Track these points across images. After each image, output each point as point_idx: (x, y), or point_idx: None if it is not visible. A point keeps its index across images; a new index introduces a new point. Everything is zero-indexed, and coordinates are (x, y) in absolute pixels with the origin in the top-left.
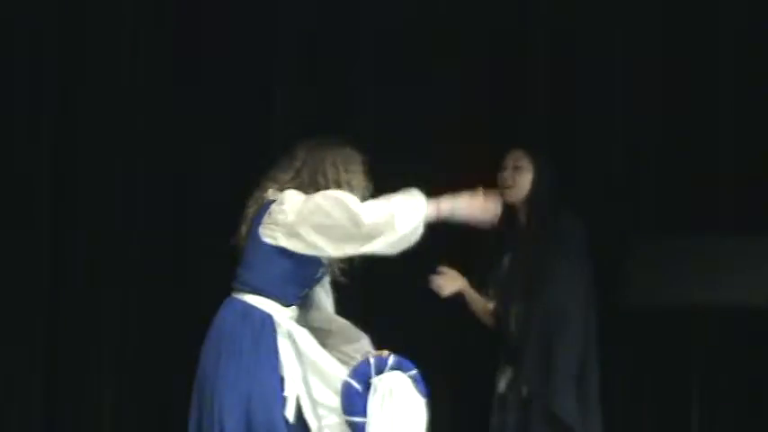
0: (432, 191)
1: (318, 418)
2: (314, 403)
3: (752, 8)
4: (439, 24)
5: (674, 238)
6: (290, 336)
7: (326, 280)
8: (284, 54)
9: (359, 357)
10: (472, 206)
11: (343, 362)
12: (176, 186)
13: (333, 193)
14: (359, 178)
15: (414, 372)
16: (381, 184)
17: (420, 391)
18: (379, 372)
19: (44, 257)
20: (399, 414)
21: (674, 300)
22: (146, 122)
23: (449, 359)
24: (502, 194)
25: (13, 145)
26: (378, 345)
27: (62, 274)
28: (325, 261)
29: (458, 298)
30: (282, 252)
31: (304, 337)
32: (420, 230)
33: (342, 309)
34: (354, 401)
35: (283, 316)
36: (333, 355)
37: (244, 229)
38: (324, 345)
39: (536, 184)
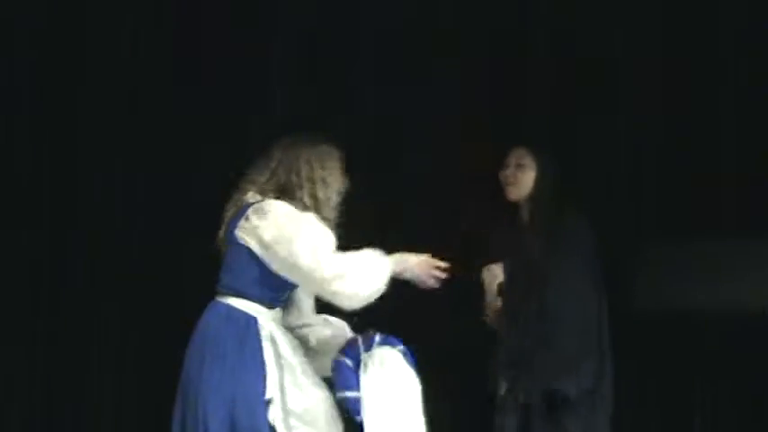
0: (432, 191)
1: (289, 428)
2: (286, 412)
3: (752, 8)
4: (439, 24)
5: (677, 241)
6: (272, 339)
7: None
8: (284, 54)
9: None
10: (420, 268)
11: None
12: (176, 186)
13: (310, 233)
14: (335, 175)
15: (401, 347)
16: (382, 184)
17: (410, 364)
18: (368, 349)
19: (44, 257)
20: (392, 385)
21: (678, 303)
22: (146, 122)
23: (449, 359)
24: (505, 192)
25: (13, 145)
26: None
27: (62, 274)
28: None
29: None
30: (259, 256)
31: (285, 341)
32: (380, 291)
33: (341, 310)
34: (347, 376)
35: (267, 318)
36: (314, 358)
37: (222, 231)
38: (307, 345)
39: (539, 181)
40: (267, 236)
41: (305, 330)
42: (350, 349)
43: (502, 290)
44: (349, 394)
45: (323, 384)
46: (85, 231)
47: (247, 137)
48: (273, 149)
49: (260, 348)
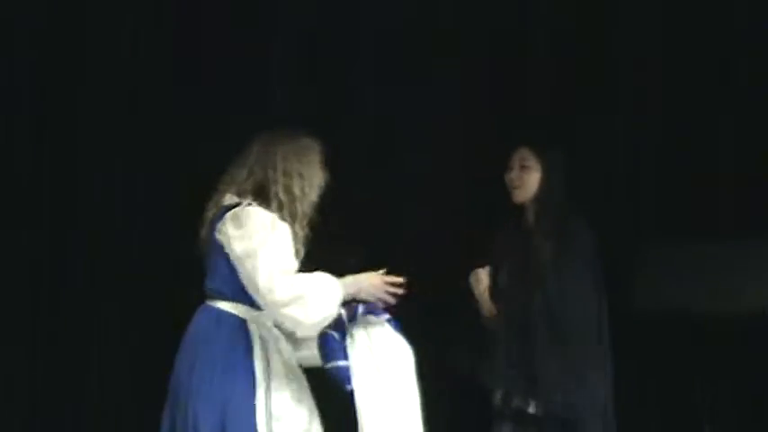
0: (432, 191)
1: None
2: (269, 416)
3: (752, 8)
4: (439, 24)
5: (676, 242)
6: (262, 342)
7: None
8: (284, 54)
9: None
10: (374, 288)
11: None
12: (176, 186)
13: (272, 253)
14: (313, 169)
15: (386, 316)
16: (382, 184)
17: (398, 331)
18: (352, 319)
19: (44, 257)
20: (380, 352)
21: (677, 303)
22: (146, 122)
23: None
24: (511, 195)
25: (13, 145)
26: None
27: (62, 274)
28: None
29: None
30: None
31: (275, 343)
32: (331, 317)
33: None
34: (333, 347)
35: (257, 320)
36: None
37: (204, 232)
38: (293, 336)
39: (544, 182)
40: (237, 248)
41: None
42: (334, 322)
43: (493, 293)
44: (338, 363)
45: (307, 391)
46: (85, 231)
47: (247, 137)
48: (252, 144)
49: (250, 352)
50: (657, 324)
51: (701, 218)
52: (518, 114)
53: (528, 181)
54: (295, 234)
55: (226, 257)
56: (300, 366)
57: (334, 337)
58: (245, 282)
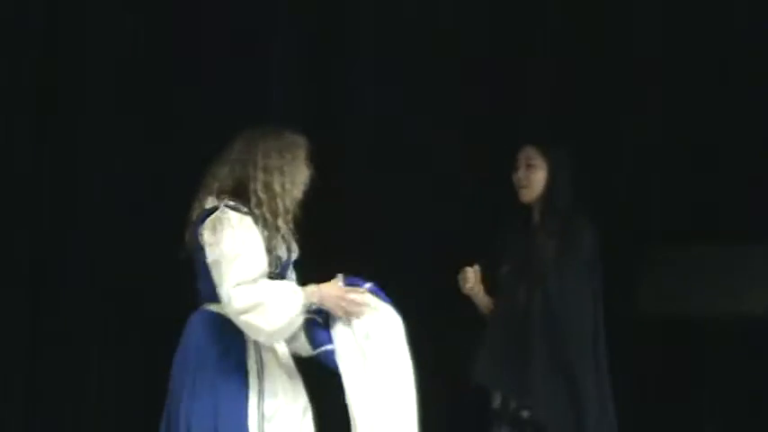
0: (432, 191)
1: None
2: (261, 417)
3: (752, 8)
4: (439, 24)
5: (679, 245)
6: (255, 343)
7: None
8: (284, 54)
9: None
10: (331, 301)
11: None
12: (176, 186)
13: (236, 261)
14: (295, 165)
15: (368, 285)
16: (382, 184)
17: (382, 299)
18: None
19: (44, 257)
20: (363, 327)
21: (680, 307)
22: (146, 122)
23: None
24: (518, 195)
25: (14, 145)
26: None
27: (62, 274)
28: (272, 269)
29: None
30: None
31: (270, 348)
32: (292, 325)
33: None
34: (318, 332)
35: None
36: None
37: (188, 234)
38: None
39: (549, 181)
40: (209, 257)
41: None
42: (317, 307)
43: (493, 290)
44: (325, 348)
45: (302, 390)
46: (85, 231)
47: None
48: (235, 141)
49: (243, 354)
50: (659, 328)
51: (704, 222)
52: (518, 114)
53: (534, 180)
54: (275, 232)
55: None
56: (300, 357)
57: (317, 322)
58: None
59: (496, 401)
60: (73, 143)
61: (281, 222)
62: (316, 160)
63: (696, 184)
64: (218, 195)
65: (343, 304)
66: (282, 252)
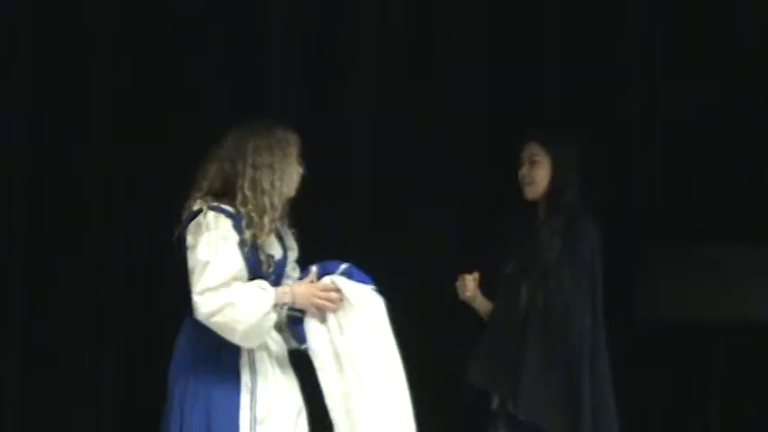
0: (432, 191)
1: None
2: (253, 419)
3: (753, 8)
4: (439, 24)
5: (682, 249)
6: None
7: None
8: (283, 54)
9: None
10: (303, 299)
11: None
12: (176, 186)
13: (207, 266)
14: (286, 161)
15: (343, 266)
16: (382, 184)
17: (359, 281)
18: None
19: (45, 257)
20: (336, 322)
21: (683, 310)
22: (146, 122)
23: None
24: (523, 192)
25: (13, 145)
26: None
27: (62, 274)
28: (265, 267)
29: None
30: None
31: (262, 347)
32: (262, 325)
33: None
34: (297, 329)
35: None
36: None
37: (177, 234)
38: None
39: (554, 177)
40: (190, 262)
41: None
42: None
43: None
44: (305, 346)
45: (296, 390)
46: (86, 231)
47: None
48: (225, 137)
49: (237, 355)
50: (661, 331)
51: (707, 225)
52: (518, 114)
53: (537, 176)
54: (262, 230)
55: None
56: (298, 351)
57: (297, 318)
58: None
59: (495, 402)
60: (73, 143)
61: (267, 220)
62: (316, 160)
63: (699, 187)
64: (206, 195)
65: (315, 301)
66: (276, 251)
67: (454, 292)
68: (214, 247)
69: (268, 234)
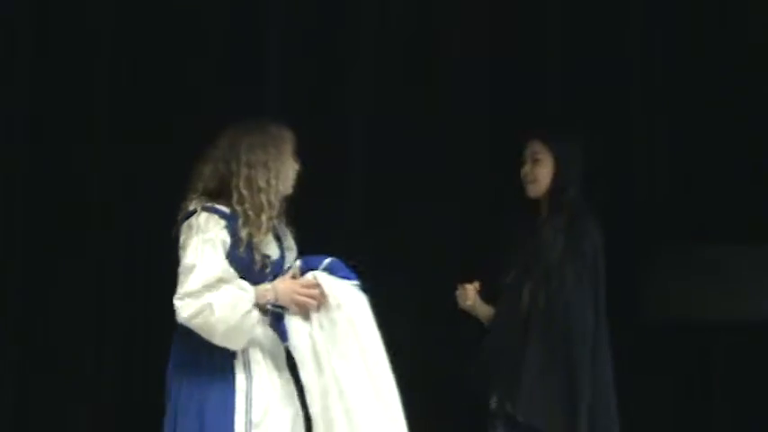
0: (432, 191)
1: None
2: (249, 423)
3: (753, 8)
4: (439, 24)
5: (685, 248)
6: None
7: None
8: (283, 53)
9: None
10: (285, 297)
11: None
12: (176, 186)
13: (191, 270)
14: (281, 160)
15: (327, 261)
16: (382, 184)
17: (342, 276)
18: None
19: (45, 257)
20: (318, 322)
21: (686, 310)
22: (146, 122)
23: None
24: (525, 190)
25: (13, 145)
26: None
27: (63, 274)
28: (260, 267)
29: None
30: None
31: (257, 348)
32: (244, 324)
33: None
34: (281, 329)
35: None
36: None
37: (174, 236)
38: None
39: (556, 175)
40: (180, 264)
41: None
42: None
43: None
44: (287, 343)
45: (292, 392)
46: (86, 231)
47: None
48: (220, 137)
49: (231, 357)
50: (664, 331)
51: (711, 224)
52: (519, 114)
53: (540, 175)
54: (258, 229)
55: None
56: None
57: (280, 317)
58: None
59: (493, 402)
60: (73, 143)
61: (264, 218)
62: (316, 160)
63: (703, 187)
64: (201, 195)
65: (296, 298)
66: (273, 251)
67: (454, 300)
68: (200, 250)
69: (265, 233)
